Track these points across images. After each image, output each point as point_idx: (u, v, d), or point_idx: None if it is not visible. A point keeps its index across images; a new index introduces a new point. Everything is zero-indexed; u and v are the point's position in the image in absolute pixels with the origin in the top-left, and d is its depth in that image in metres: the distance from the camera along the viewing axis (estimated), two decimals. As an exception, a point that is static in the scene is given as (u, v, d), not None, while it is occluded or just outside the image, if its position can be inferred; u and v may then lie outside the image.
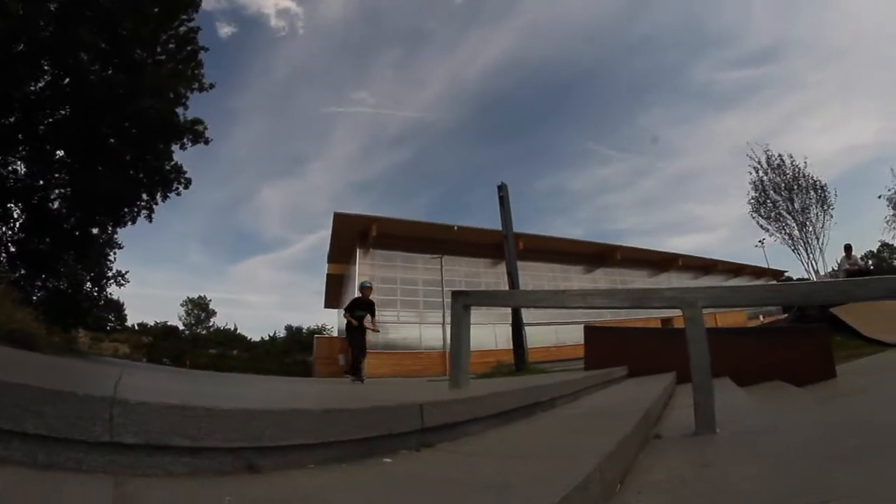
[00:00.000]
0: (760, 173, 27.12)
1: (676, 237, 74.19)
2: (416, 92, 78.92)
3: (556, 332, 23.40)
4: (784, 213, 26.48)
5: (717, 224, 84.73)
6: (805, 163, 26.57)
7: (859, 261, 16.67)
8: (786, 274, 27.70)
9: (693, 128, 75.90)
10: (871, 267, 26.30)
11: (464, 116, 69.18)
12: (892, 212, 32.26)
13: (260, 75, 72.56)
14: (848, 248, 14.92)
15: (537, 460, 1.49)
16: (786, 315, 13.93)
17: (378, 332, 8.19)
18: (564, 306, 3.21)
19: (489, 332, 23.02)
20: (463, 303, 3.37)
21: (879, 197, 30.23)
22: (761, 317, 27.42)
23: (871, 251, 50.38)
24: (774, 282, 24.92)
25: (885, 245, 44.74)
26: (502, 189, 13.49)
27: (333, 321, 44.14)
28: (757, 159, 27.27)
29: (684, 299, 2.46)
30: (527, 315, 11.78)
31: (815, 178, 26.65)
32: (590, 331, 6.38)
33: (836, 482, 1.48)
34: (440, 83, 77.59)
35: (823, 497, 1.32)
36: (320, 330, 48.13)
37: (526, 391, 2.56)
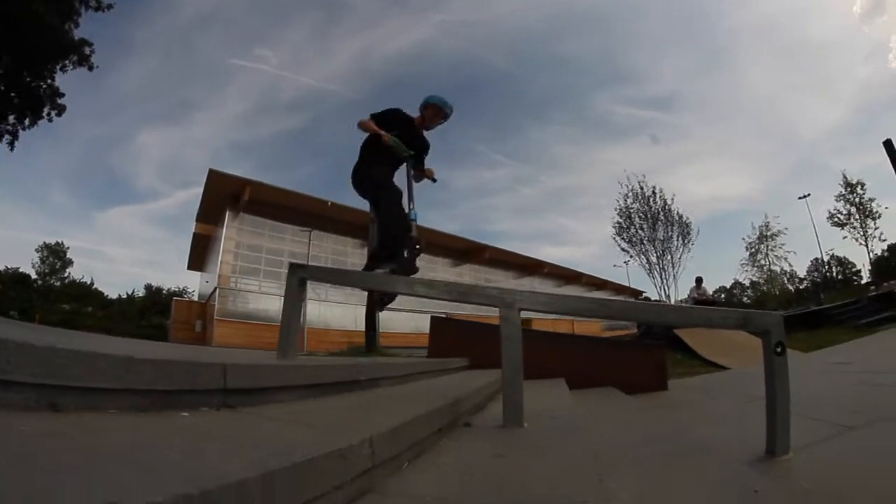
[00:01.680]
0: (629, 201, 29.65)
1: (549, 246, 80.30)
2: (322, 60, 76.03)
3: (414, 320, 23.94)
4: (645, 242, 29.33)
5: (589, 240, 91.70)
6: (672, 199, 29.59)
7: (708, 292, 18.80)
8: (644, 294, 30.89)
9: (583, 150, 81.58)
10: (719, 298, 29.93)
11: (364, 94, 67.60)
12: (747, 255, 37.50)
13: (166, 9, 64.64)
14: (699, 280, 16.93)
15: (325, 430, 1.54)
16: (636, 330, 15.36)
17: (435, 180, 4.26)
18: (394, 291, 3.42)
19: (350, 313, 22.89)
20: (299, 276, 3.40)
21: (743, 239, 34.92)
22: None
23: (723, 286, 57.69)
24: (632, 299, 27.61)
25: (737, 283, 51.16)
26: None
27: (195, 284, 41.34)
28: (630, 187, 29.79)
29: (503, 299, 2.63)
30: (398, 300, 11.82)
31: (680, 214, 29.83)
32: (435, 321, 6.72)
33: (617, 485, 1.56)
34: (349, 57, 75.65)
35: (592, 498, 1.39)
36: (180, 292, 44.93)
37: (345, 368, 2.67)
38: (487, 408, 3.12)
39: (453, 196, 76.28)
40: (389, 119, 4.02)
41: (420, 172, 4.13)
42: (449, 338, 6.41)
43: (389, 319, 12.34)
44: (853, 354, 6.90)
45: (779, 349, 2.36)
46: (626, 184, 29.83)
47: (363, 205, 4.36)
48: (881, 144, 11.80)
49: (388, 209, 3.76)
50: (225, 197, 26.13)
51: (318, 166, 74.90)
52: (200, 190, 26.89)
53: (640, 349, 6.50)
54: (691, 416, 3.99)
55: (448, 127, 4.32)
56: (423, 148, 4.19)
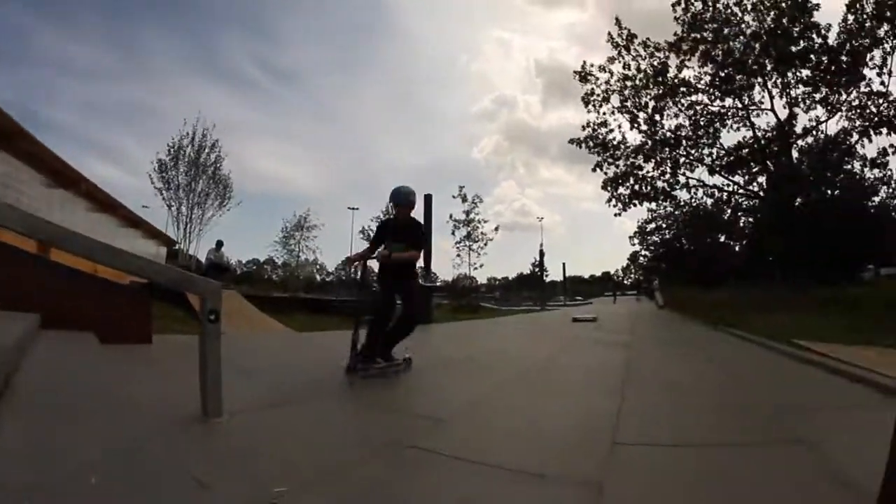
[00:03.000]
0: (185, 142, 26.62)
1: (99, 162, 63.99)
2: None
3: None
4: (181, 189, 26.45)
5: (141, 172, 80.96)
6: (225, 156, 27.56)
7: (225, 257, 18.86)
8: (177, 245, 28.05)
9: (182, 75, 70.96)
10: (230, 265, 29.43)
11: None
12: (282, 237, 39.39)
13: None
14: (219, 243, 16.84)
15: None
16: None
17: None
18: None
19: None
20: None
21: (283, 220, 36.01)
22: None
23: (256, 258, 59.61)
24: (164, 248, 25.09)
25: (270, 259, 52.88)
26: None
27: None
28: (193, 129, 27.09)
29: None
30: None
31: (227, 175, 27.81)
32: None
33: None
34: None
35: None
36: None
37: None
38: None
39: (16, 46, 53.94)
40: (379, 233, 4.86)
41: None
42: None
43: None
44: (342, 339, 8.09)
45: (212, 317, 2.40)
46: (193, 124, 27.57)
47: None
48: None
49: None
50: None
51: None
52: None
53: (125, 296, 5.71)
54: (152, 373, 3.91)
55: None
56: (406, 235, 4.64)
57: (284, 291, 24.57)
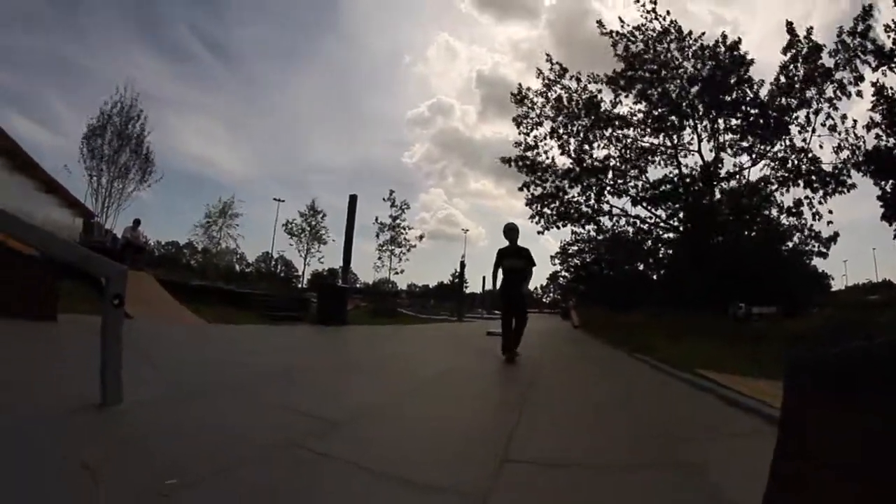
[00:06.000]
0: (115, 111, 25.51)
1: (21, 116, 57.02)
2: None
3: None
4: (105, 160, 25.34)
5: (69, 133, 74.78)
6: (149, 132, 26.78)
7: (142, 235, 18.06)
8: (95, 218, 26.05)
9: (121, 37, 66.18)
10: (148, 245, 27.43)
11: None
12: (205, 221, 37.88)
13: None
14: (136, 221, 16.29)
15: None
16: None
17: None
18: None
19: None
20: None
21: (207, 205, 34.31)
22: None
23: (176, 241, 56.55)
24: (80, 219, 23.35)
25: (190, 243, 50.58)
26: None
27: None
28: (121, 98, 25.83)
29: None
30: None
31: (150, 150, 26.74)
32: None
33: None
34: None
35: None
36: None
37: None
38: None
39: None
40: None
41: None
42: None
43: None
44: (253, 335, 7.98)
45: (116, 301, 2.35)
46: (122, 93, 26.20)
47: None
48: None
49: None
50: None
51: None
52: None
53: (30, 268, 5.38)
54: (52, 353, 3.82)
55: None
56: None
57: (202, 279, 23.59)
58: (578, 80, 19.33)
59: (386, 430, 2.72)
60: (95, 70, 63.00)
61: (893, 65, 15.35)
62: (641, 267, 28.27)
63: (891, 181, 15.90)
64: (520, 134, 19.99)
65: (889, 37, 15.17)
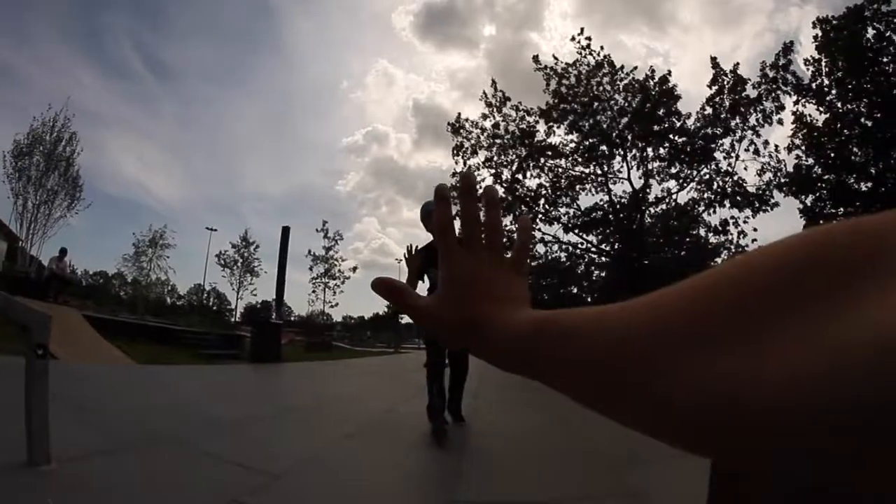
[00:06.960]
0: (43, 129, 24.00)
1: None
2: None
3: None
4: (31, 184, 23.33)
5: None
6: (80, 152, 25.26)
7: (69, 266, 17.14)
8: (20, 243, 24.14)
9: (61, 50, 63.61)
10: (75, 277, 25.92)
11: None
12: (133, 252, 36.18)
13: None
14: (63, 251, 15.40)
15: None
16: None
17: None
18: None
19: None
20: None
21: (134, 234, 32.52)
22: None
23: (104, 271, 53.79)
24: (4, 243, 21.74)
25: (119, 274, 48.22)
26: None
27: None
28: (53, 118, 24.40)
29: None
30: None
31: (78, 174, 25.29)
32: None
33: None
34: None
35: None
36: None
37: None
38: None
39: None
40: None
41: None
42: None
43: None
44: (187, 377, 7.64)
45: (40, 351, 2.22)
46: (56, 111, 24.80)
47: None
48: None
49: None
50: None
51: None
52: None
53: None
54: None
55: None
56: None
57: (132, 313, 22.38)
58: (517, 108, 20.21)
59: (327, 480, 2.72)
60: (29, 77, 59.91)
61: (810, 97, 17.23)
62: (575, 290, 29.21)
63: (811, 196, 17.54)
64: (456, 163, 20.60)
65: (808, 70, 17.23)
